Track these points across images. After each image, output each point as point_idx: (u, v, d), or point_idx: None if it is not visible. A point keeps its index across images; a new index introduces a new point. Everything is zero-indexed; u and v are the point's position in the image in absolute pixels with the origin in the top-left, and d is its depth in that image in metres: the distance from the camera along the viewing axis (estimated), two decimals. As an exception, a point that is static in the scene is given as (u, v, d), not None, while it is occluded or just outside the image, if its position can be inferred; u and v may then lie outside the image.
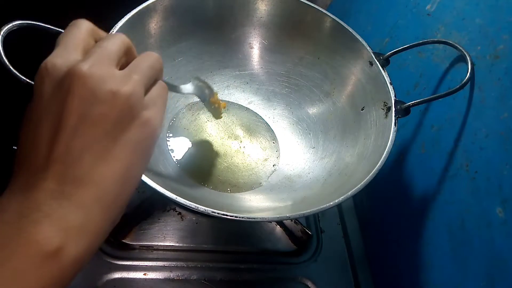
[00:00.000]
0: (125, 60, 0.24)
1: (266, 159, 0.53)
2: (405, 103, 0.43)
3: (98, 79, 0.20)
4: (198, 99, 0.42)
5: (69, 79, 0.20)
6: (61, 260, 0.19)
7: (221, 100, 0.45)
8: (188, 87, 0.38)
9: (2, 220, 0.19)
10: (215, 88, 0.57)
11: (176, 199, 0.32)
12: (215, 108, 0.45)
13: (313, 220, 0.54)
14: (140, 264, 0.45)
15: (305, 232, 0.50)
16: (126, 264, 0.44)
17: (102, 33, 0.25)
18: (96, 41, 0.24)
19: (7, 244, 0.18)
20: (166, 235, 0.47)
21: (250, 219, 0.34)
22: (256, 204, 0.47)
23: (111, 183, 0.21)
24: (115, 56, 0.22)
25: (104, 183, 0.21)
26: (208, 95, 0.42)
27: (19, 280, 0.18)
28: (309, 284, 0.48)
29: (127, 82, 0.22)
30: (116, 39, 0.23)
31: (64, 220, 0.19)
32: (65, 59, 0.21)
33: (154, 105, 0.24)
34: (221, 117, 0.48)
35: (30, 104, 0.21)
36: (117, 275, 0.43)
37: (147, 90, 0.24)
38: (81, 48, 0.22)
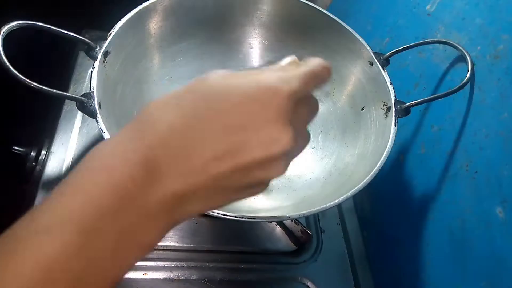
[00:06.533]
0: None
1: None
2: (405, 103, 0.43)
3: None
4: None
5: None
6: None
7: None
8: None
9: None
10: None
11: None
12: None
13: (313, 220, 0.54)
14: (140, 264, 0.44)
15: (305, 232, 0.50)
16: (126, 264, 0.44)
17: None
18: None
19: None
20: (166, 235, 0.47)
21: (250, 219, 0.34)
22: (256, 204, 0.47)
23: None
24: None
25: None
26: None
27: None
28: (309, 284, 0.48)
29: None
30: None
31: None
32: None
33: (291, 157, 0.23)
34: None
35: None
36: (117, 275, 0.43)
37: None
38: None
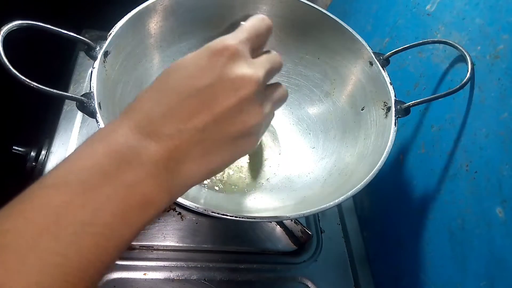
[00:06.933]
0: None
1: (266, 159, 0.53)
2: (405, 103, 0.43)
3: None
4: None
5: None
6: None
7: None
8: None
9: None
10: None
11: (176, 199, 0.32)
12: None
13: (313, 220, 0.54)
14: (140, 264, 0.45)
15: (305, 232, 0.50)
16: (126, 264, 0.44)
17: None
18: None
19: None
20: (166, 235, 0.47)
21: (250, 219, 0.34)
22: (256, 204, 0.47)
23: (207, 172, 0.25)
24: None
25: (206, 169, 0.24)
26: None
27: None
28: (309, 284, 0.48)
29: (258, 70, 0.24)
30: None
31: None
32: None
33: (271, 101, 0.27)
34: None
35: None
36: (117, 275, 0.43)
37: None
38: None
